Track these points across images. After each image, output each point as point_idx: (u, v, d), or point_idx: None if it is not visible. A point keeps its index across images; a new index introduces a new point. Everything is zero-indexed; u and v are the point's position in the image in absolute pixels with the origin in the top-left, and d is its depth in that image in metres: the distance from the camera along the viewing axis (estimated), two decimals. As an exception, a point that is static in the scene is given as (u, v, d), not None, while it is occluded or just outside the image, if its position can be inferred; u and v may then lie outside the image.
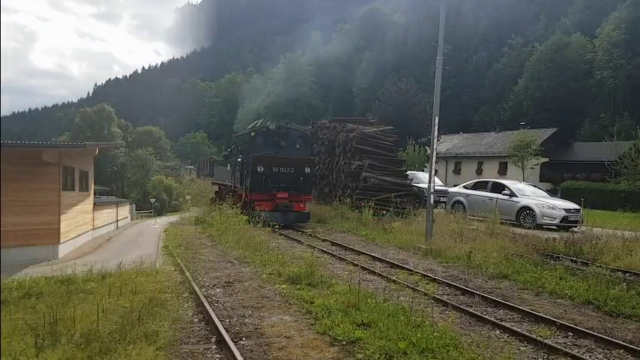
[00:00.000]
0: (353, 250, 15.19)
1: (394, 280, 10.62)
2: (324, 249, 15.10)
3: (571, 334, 7.54)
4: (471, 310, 8.59)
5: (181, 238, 19.87)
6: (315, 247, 14.41)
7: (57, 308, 7.16)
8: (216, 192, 26.52)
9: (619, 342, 7.04)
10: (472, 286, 10.65)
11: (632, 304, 9.04)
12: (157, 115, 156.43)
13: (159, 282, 9.93)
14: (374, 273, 11.66)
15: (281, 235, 17.90)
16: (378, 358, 6.03)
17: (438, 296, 9.27)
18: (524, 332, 7.43)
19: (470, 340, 6.99)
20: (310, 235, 17.97)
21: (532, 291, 10.45)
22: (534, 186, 23.08)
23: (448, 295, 9.91)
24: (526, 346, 6.98)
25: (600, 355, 6.76)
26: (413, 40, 67.46)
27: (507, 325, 7.87)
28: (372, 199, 21.20)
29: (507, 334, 7.47)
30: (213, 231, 18.11)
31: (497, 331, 7.66)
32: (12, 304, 8.34)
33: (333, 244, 16.42)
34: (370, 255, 14.22)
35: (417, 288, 9.78)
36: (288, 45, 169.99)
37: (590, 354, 6.77)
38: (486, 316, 8.24)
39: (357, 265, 11.39)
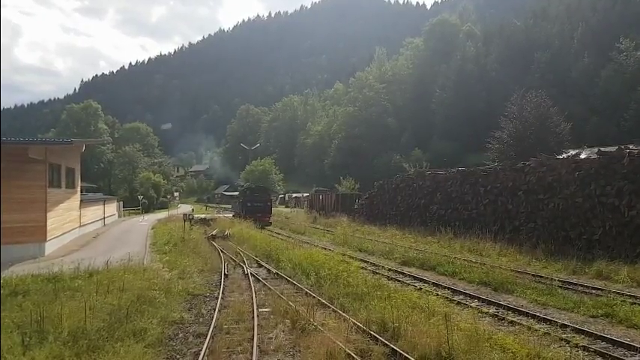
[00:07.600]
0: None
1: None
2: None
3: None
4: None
5: (169, 235, 19.85)
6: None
7: (44, 306, 7.12)
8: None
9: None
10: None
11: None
12: (144, 111, 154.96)
13: (147, 279, 9.93)
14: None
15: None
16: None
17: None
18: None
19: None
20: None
21: None
22: None
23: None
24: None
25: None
26: (500, 48, 60.85)
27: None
28: None
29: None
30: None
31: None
32: (-2, 302, 8.30)
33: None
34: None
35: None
36: (322, 66, 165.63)
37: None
38: None
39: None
